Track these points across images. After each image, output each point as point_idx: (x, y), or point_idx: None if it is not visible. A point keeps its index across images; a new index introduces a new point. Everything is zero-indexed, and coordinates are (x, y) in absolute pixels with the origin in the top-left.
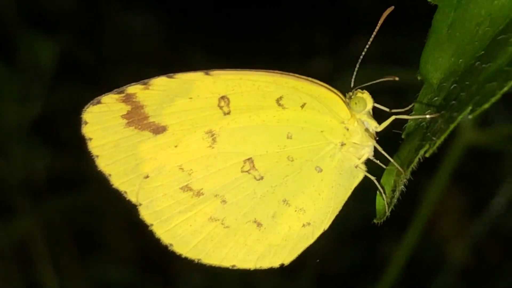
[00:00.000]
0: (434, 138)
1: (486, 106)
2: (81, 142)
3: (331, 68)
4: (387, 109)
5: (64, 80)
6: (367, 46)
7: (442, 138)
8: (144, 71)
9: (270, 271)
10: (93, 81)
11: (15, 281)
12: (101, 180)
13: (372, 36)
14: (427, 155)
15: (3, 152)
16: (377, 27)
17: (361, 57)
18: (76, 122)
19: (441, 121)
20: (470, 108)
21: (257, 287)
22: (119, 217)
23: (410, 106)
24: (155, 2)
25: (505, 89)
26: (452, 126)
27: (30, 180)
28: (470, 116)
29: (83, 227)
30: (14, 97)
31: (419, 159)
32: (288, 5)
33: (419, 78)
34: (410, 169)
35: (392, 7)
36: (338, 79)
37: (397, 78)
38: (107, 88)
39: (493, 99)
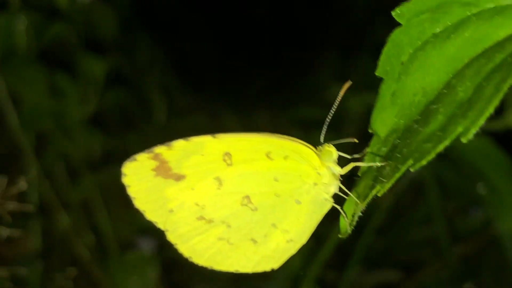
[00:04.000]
0: (384, 181)
1: (424, 162)
2: (122, 130)
3: None
4: (348, 156)
5: (111, 87)
6: (332, 111)
7: (390, 183)
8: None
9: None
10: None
11: (81, 227)
12: None
13: (335, 105)
14: (379, 194)
15: (70, 137)
16: (337, 100)
17: (328, 117)
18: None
19: (389, 168)
20: (411, 162)
21: None
22: None
23: (363, 152)
24: None
25: (438, 149)
26: (397, 175)
27: (89, 156)
28: (411, 169)
29: None
30: (77, 99)
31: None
32: None
33: (370, 131)
34: (366, 202)
35: (350, 82)
36: None
37: (356, 141)
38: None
39: (429, 157)
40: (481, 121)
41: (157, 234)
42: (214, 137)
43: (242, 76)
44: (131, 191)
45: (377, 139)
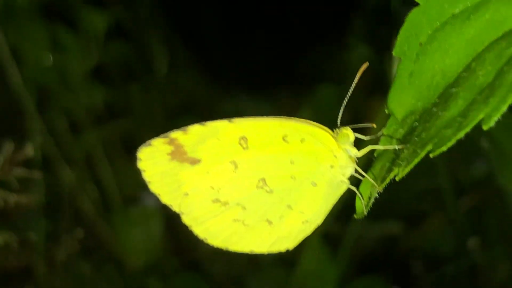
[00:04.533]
0: (402, 164)
1: (444, 149)
2: (124, 83)
3: None
4: (365, 138)
5: (112, 40)
6: (348, 95)
7: (409, 168)
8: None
9: None
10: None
11: (83, 179)
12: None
13: (351, 88)
14: (397, 179)
15: (72, 91)
16: (354, 84)
17: (346, 99)
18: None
19: (407, 152)
20: (430, 147)
21: None
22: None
23: (380, 133)
24: None
25: (458, 136)
26: (416, 160)
27: (91, 110)
28: (431, 155)
29: (131, 141)
30: (78, 53)
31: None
32: None
33: (386, 111)
34: (383, 185)
35: (367, 63)
36: None
37: (374, 126)
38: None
39: (449, 144)
40: (504, 108)
41: None
42: (230, 121)
43: (245, 40)
44: (146, 175)
45: (393, 119)
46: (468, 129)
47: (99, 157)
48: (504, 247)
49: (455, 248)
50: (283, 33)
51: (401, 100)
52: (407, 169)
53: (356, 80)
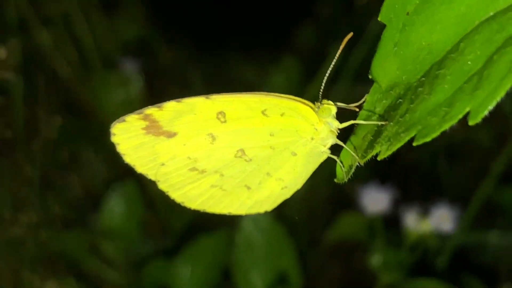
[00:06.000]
0: (384, 144)
1: (428, 139)
2: None
3: None
4: (347, 107)
5: None
6: (330, 69)
7: (392, 151)
8: None
9: None
10: None
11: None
12: None
13: (334, 60)
14: (378, 158)
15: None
16: (338, 54)
17: (328, 73)
18: None
19: (390, 130)
20: (414, 133)
21: None
22: None
23: (363, 99)
24: None
25: (443, 128)
26: (399, 145)
27: None
28: (414, 143)
29: None
30: None
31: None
32: None
33: (370, 77)
34: (365, 159)
35: (351, 34)
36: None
37: (357, 109)
38: None
39: (434, 135)
40: (491, 104)
41: (142, 54)
42: (207, 98)
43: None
44: (121, 149)
45: (377, 87)
46: (453, 122)
47: (76, 14)
48: None
49: None
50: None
51: (385, 69)
52: (389, 152)
53: (339, 51)
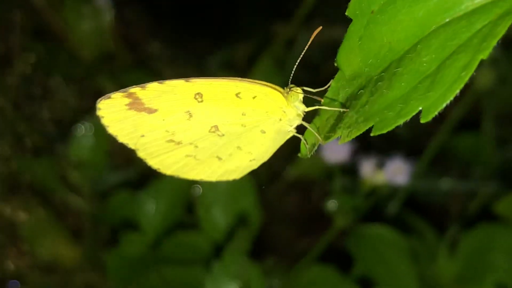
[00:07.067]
0: (344, 130)
1: (384, 131)
2: None
3: None
4: (313, 90)
5: None
6: (298, 61)
7: (350, 138)
8: None
9: None
10: None
11: None
12: None
13: (302, 53)
14: (339, 143)
15: None
16: (306, 47)
17: (297, 62)
18: None
19: (350, 118)
20: (371, 124)
21: None
22: None
23: (328, 84)
24: None
25: (398, 123)
26: (358, 133)
27: None
28: (371, 134)
29: None
30: None
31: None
32: None
33: (335, 65)
34: (327, 141)
35: (320, 27)
36: None
37: (322, 100)
38: None
39: (389, 128)
40: (442, 106)
41: None
42: (187, 80)
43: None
44: (105, 121)
45: (341, 74)
46: (407, 118)
47: None
48: None
49: None
50: None
51: (350, 59)
52: (349, 138)
53: (309, 42)
